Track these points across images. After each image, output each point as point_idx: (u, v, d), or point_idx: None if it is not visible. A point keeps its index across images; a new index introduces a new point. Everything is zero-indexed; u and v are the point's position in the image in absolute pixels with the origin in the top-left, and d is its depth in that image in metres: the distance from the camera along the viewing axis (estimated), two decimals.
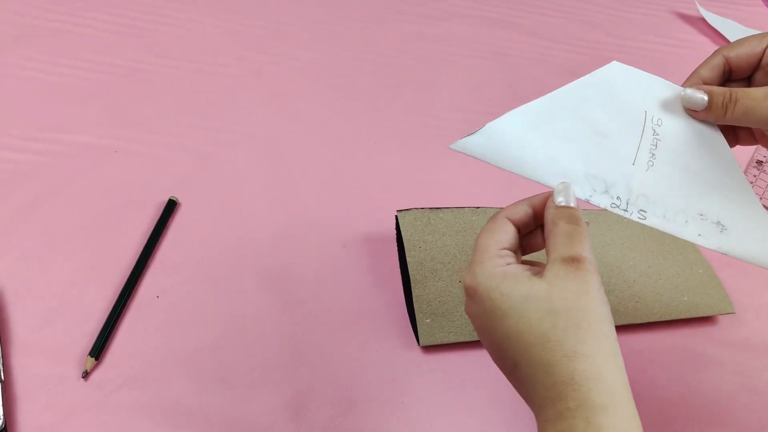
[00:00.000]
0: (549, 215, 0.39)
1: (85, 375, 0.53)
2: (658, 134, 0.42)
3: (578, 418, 0.33)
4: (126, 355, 0.55)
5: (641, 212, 0.42)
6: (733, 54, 0.43)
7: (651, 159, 0.42)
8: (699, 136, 0.43)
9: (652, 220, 0.42)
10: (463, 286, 0.40)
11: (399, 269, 0.64)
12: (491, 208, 0.65)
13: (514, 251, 0.40)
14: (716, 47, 0.97)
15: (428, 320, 0.58)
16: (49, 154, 0.68)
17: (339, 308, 0.61)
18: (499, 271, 0.38)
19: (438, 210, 0.63)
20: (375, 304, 0.61)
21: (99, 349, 0.54)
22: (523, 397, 0.38)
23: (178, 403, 0.53)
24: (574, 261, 0.37)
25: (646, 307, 0.62)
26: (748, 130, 0.47)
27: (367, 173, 0.72)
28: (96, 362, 0.54)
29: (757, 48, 0.43)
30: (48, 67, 0.77)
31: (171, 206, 0.65)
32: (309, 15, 0.90)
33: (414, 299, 0.58)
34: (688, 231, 0.43)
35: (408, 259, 0.60)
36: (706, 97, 0.42)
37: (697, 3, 1.02)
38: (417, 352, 0.58)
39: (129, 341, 0.56)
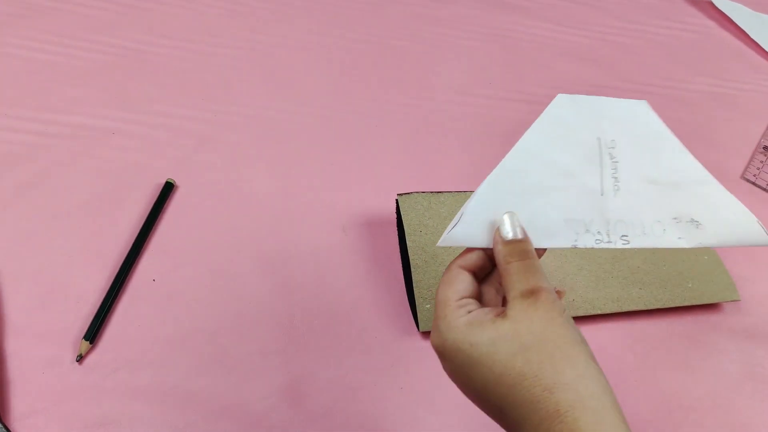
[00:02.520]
0: (499, 254, 0.39)
1: (80, 359, 0.52)
2: (614, 157, 0.43)
3: None
4: (121, 338, 0.54)
5: (623, 238, 0.42)
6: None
7: (615, 183, 0.43)
8: (648, 141, 0.44)
9: (635, 242, 0.43)
10: (432, 347, 0.40)
11: (399, 253, 0.63)
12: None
13: (475, 297, 0.40)
14: (723, 32, 0.96)
15: (428, 306, 0.57)
16: (45, 135, 0.67)
17: (338, 293, 0.60)
18: (462, 321, 0.38)
19: (439, 194, 0.62)
20: (374, 288, 0.60)
21: (94, 333, 0.53)
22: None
23: (175, 388, 0.52)
24: (532, 293, 0.37)
25: (650, 293, 0.61)
26: None
27: (368, 156, 0.71)
28: (91, 346, 0.53)
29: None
30: (45, 47, 0.76)
31: (168, 189, 0.64)
32: None
33: (414, 284, 0.58)
34: (668, 238, 0.43)
35: (408, 243, 0.59)
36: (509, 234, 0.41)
37: None
38: (417, 338, 0.58)
39: (124, 325, 0.55)
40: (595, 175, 0.42)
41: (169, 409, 0.51)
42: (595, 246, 0.42)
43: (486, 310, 0.38)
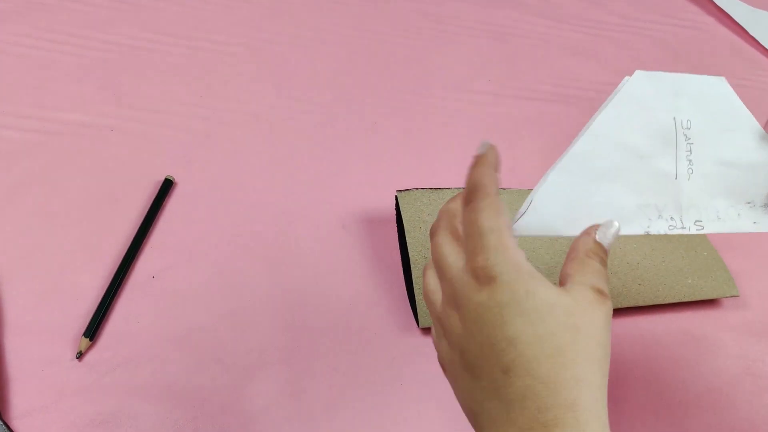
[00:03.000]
0: (585, 245, 0.38)
1: (79, 356, 0.52)
2: (689, 138, 0.41)
3: None
4: (121, 336, 0.54)
5: (697, 223, 0.41)
6: None
7: (689, 166, 0.41)
8: (724, 120, 0.42)
9: (710, 227, 0.41)
10: (471, 267, 0.35)
11: (399, 250, 0.63)
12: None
13: None
14: (722, 27, 0.96)
15: None
16: (43, 133, 0.67)
17: (338, 289, 0.60)
18: (525, 266, 0.34)
19: (438, 190, 0.62)
20: (374, 285, 0.60)
21: (93, 330, 0.53)
22: (490, 413, 0.34)
23: (174, 385, 0.52)
24: (601, 293, 0.35)
25: (649, 289, 0.61)
26: None
27: (367, 153, 0.71)
28: (90, 343, 0.53)
29: None
30: (43, 44, 0.76)
31: (167, 186, 0.64)
32: None
33: (414, 281, 0.57)
34: (743, 223, 0.42)
35: (408, 239, 0.59)
36: None
37: None
38: (416, 335, 0.58)
39: (124, 322, 0.55)
40: (669, 157, 0.41)
41: (168, 406, 0.51)
42: (669, 232, 0.40)
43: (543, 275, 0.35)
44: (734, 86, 0.87)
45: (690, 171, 0.41)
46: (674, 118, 0.41)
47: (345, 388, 0.54)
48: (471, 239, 0.36)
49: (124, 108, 0.71)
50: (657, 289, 0.61)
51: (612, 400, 0.55)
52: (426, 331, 0.58)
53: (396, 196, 0.62)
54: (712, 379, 0.59)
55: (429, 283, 0.40)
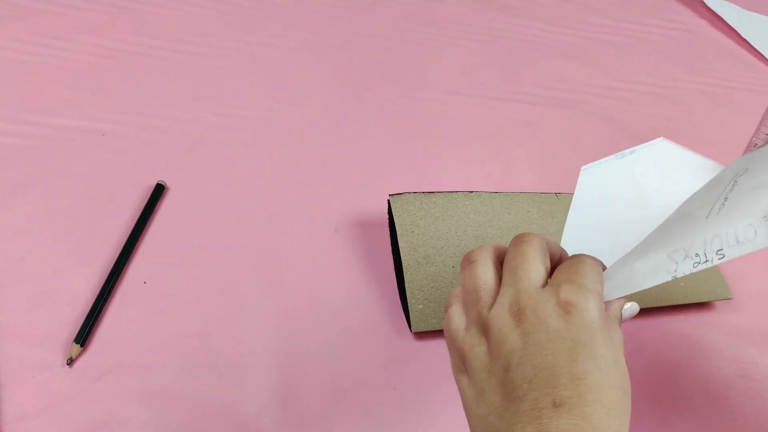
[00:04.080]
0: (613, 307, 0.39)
1: (70, 362, 0.52)
2: (737, 181, 0.40)
3: None
4: (112, 341, 0.54)
5: (719, 252, 0.39)
6: None
7: (723, 202, 0.40)
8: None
9: (730, 253, 0.39)
10: (561, 298, 0.36)
11: (391, 254, 0.63)
12: (485, 192, 0.63)
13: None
14: (714, 30, 0.96)
15: (420, 306, 0.57)
16: (35, 138, 0.67)
17: (330, 293, 0.60)
18: (608, 315, 0.38)
19: (431, 194, 0.62)
20: (367, 289, 0.60)
21: (84, 336, 0.53)
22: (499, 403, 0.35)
23: (166, 390, 0.52)
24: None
25: (643, 293, 0.60)
26: None
27: (360, 156, 0.71)
28: (81, 349, 0.53)
29: None
30: (35, 49, 0.76)
31: (159, 190, 0.64)
32: None
33: (406, 284, 0.57)
34: (759, 240, 0.40)
35: (400, 243, 0.59)
36: None
37: None
38: (409, 339, 0.58)
39: (115, 327, 0.55)
40: (709, 206, 0.40)
41: (160, 411, 0.51)
42: (693, 270, 0.39)
43: None
44: (725, 87, 0.87)
45: (722, 206, 0.40)
46: (735, 173, 0.41)
47: (337, 393, 0.54)
48: (571, 267, 0.38)
49: (116, 112, 0.71)
50: (650, 292, 0.61)
51: None
52: (418, 335, 0.58)
53: (389, 200, 0.62)
54: (705, 382, 0.59)
55: (453, 315, 0.40)
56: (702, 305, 0.64)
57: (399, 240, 0.59)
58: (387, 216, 0.63)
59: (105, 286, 0.56)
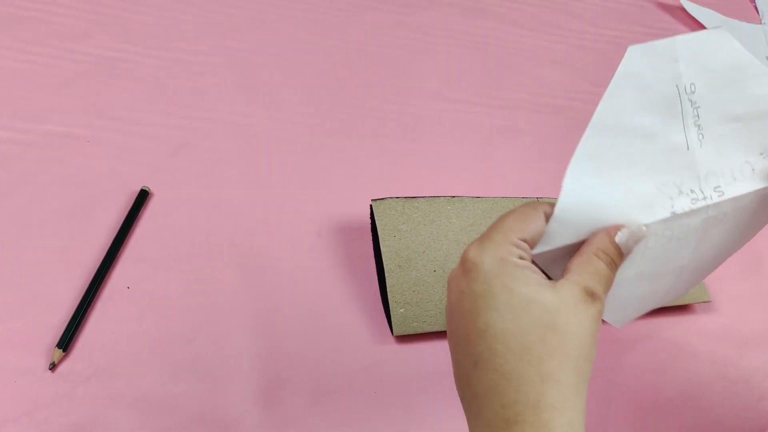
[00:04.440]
0: (599, 241, 0.37)
1: (53, 367, 0.52)
2: (695, 102, 0.39)
3: None
4: (95, 346, 0.54)
5: (717, 189, 0.40)
6: None
7: (699, 132, 0.39)
8: (729, 73, 0.40)
9: (728, 190, 0.40)
10: (463, 256, 0.36)
11: (374, 259, 0.63)
12: (467, 197, 0.64)
13: (531, 248, 0.36)
14: None
15: (402, 310, 0.57)
16: (19, 144, 0.67)
17: (313, 297, 0.60)
18: (512, 260, 0.35)
19: (413, 199, 0.63)
20: (349, 293, 0.61)
21: (67, 341, 0.53)
22: (466, 399, 0.35)
23: (148, 394, 0.53)
24: (593, 295, 0.35)
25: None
26: None
27: (344, 162, 0.71)
28: (64, 354, 0.53)
29: None
30: (19, 56, 0.76)
31: (143, 196, 0.64)
32: (287, 2, 0.89)
33: (388, 288, 0.58)
34: (759, 177, 0.41)
35: (382, 248, 0.59)
36: None
37: None
38: (390, 342, 0.58)
39: (98, 332, 0.55)
40: (678, 128, 0.39)
41: (142, 415, 0.51)
42: (693, 206, 0.39)
43: (539, 272, 0.35)
44: None
45: (701, 137, 0.39)
46: (677, 86, 0.39)
47: (319, 396, 0.54)
48: (488, 228, 0.37)
49: (101, 119, 0.71)
50: None
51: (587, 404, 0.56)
52: (400, 339, 0.58)
53: (371, 205, 0.62)
54: (685, 384, 0.60)
55: None
56: (681, 308, 0.64)
57: (381, 244, 0.60)
58: (369, 220, 0.64)
59: (88, 291, 0.57)
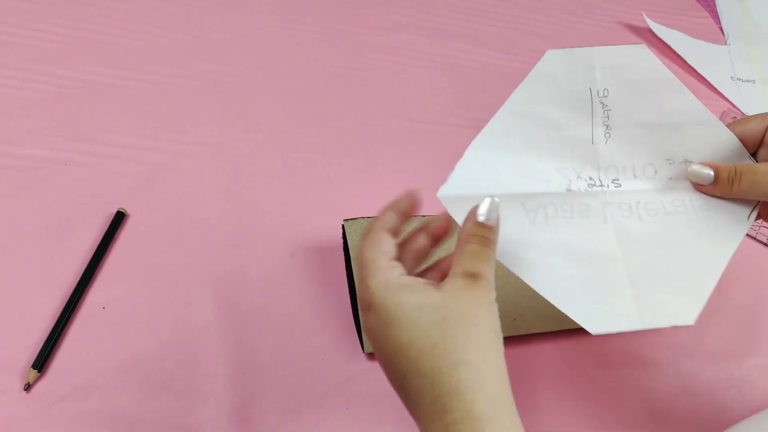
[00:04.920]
0: (464, 230, 0.40)
1: (27, 387, 0.53)
2: (606, 105, 0.43)
3: (465, 431, 0.34)
4: (70, 366, 0.55)
5: (615, 181, 0.44)
6: (737, 131, 0.45)
7: (607, 131, 0.43)
8: (645, 86, 0.44)
9: (626, 184, 0.44)
10: (358, 298, 0.41)
11: (346, 277, 0.64)
12: (437, 216, 0.66)
13: (399, 261, 0.41)
14: (663, 58, 1.00)
15: None
16: None
17: (286, 316, 0.61)
18: (394, 282, 0.39)
19: None
20: (321, 311, 0.62)
21: (42, 361, 0.54)
22: (411, 413, 0.38)
23: (123, 413, 0.53)
24: (473, 276, 0.38)
25: None
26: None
27: (318, 183, 0.73)
28: (39, 374, 0.54)
29: (760, 125, 0.45)
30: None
31: (119, 218, 0.65)
32: (263, 25, 0.91)
33: (359, 306, 0.59)
34: (660, 180, 0.45)
35: (353, 267, 0.61)
36: (712, 173, 0.44)
37: (644, 14, 1.04)
38: (362, 359, 0.59)
39: (73, 353, 0.56)
40: (586, 125, 0.43)
41: None
42: (589, 189, 0.43)
43: (419, 279, 0.39)
44: None
45: (608, 135, 0.43)
46: (590, 88, 0.43)
47: (292, 413, 0.55)
48: (359, 272, 0.41)
49: (79, 142, 0.72)
50: None
51: (550, 418, 0.57)
52: (371, 356, 0.59)
53: (343, 225, 0.64)
54: (649, 397, 0.61)
55: None
56: None
57: (352, 263, 0.61)
58: (342, 240, 0.65)
59: (64, 311, 0.57)
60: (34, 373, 0.53)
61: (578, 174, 0.43)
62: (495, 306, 0.38)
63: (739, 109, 0.93)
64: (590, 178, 0.43)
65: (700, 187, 0.45)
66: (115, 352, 0.57)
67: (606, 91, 0.43)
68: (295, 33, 0.91)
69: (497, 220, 0.40)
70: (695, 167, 0.44)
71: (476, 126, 0.81)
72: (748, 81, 0.99)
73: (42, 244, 0.63)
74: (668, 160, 0.45)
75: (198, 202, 0.69)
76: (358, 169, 0.75)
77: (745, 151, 0.45)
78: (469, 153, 0.43)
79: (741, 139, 0.45)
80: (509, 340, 0.61)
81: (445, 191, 0.42)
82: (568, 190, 0.43)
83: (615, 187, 0.44)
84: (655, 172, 0.45)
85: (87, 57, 0.81)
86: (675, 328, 0.43)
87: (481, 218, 0.40)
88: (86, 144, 0.72)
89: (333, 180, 0.73)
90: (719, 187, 0.44)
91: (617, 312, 0.45)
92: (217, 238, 0.66)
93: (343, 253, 0.65)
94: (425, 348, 0.36)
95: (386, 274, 0.39)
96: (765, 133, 0.45)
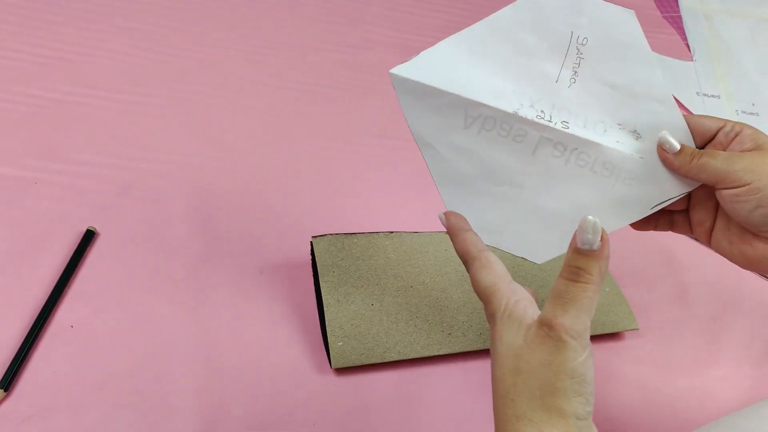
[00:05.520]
0: (567, 259, 0.39)
1: None
2: (582, 53, 0.45)
3: None
4: (37, 385, 0.55)
5: (564, 122, 0.45)
6: (690, 121, 0.47)
7: (573, 76, 0.45)
8: (621, 48, 0.45)
9: (574, 129, 0.46)
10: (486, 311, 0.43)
11: (315, 294, 0.65)
12: (405, 232, 0.67)
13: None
14: None
15: (340, 343, 0.59)
16: None
17: (254, 333, 0.62)
18: (509, 311, 0.40)
19: (352, 235, 0.65)
20: (290, 328, 0.63)
21: (9, 381, 0.54)
22: None
23: (90, 431, 0.54)
24: (547, 326, 0.37)
25: None
26: (684, 216, 0.51)
27: (288, 200, 0.73)
28: (6, 393, 0.54)
29: (713, 124, 0.46)
30: None
31: (89, 236, 0.65)
32: (234, 44, 0.92)
33: (327, 322, 0.60)
34: (607, 139, 0.46)
35: (321, 283, 0.62)
36: (678, 145, 0.45)
37: None
38: (330, 375, 0.60)
39: (41, 372, 0.56)
40: (555, 62, 0.45)
41: None
42: (536, 120, 0.45)
43: (526, 312, 0.39)
44: None
45: (572, 80, 0.45)
46: (572, 32, 0.45)
47: (260, 429, 0.56)
48: (479, 296, 0.43)
49: (48, 161, 0.72)
50: None
51: None
52: (338, 371, 0.60)
53: (311, 242, 0.64)
54: (614, 409, 0.62)
55: None
56: (611, 336, 0.67)
57: (320, 280, 0.62)
58: (310, 257, 0.66)
59: (31, 330, 0.58)
60: (0, 392, 0.53)
61: (532, 103, 0.45)
62: (578, 364, 0.37)
63: None
64: (542, 111, 0.45)
65: (663, 153, 0.46)
66: (83, 370, 0.57)
67: (585, 40, 0.45)
68: (264, 52, 0.92)
69: (604, 244, 0.37)
70: (667, 136, 0.46)
71: None
72: (713, 96, 1.01)
73: (11, 262, 0.63)
74: (620, 125, 0.46)
75: (167, 220, 0.69)
76: (328, 186, 0.76)
77: (692, 141, 0.47)
78: (437, 47, 0.45)
79: (691, 131, 0.47)
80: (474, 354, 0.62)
81: (398, 71, 0.45)
82: (516, 112, 0.45)
83: (562, 127, 0.45)
84: (605, 131, 0.46)
85: (57, 76, 0.82)
86: (524, 260, 0.47)
87: (584, 245, 0.37)
88: (56, 163, 0.72)
89: (301, 197, 0.74)
90: (680, 157, 0.45)
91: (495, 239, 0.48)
92: (186, 256, 0.66)
93: (311, 269, 0.66)
94: (501, 391, 0.38)
95: (503, 298, 0.41)
96: (716, 134, 0.46)
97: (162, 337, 0.60)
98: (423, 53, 0.45)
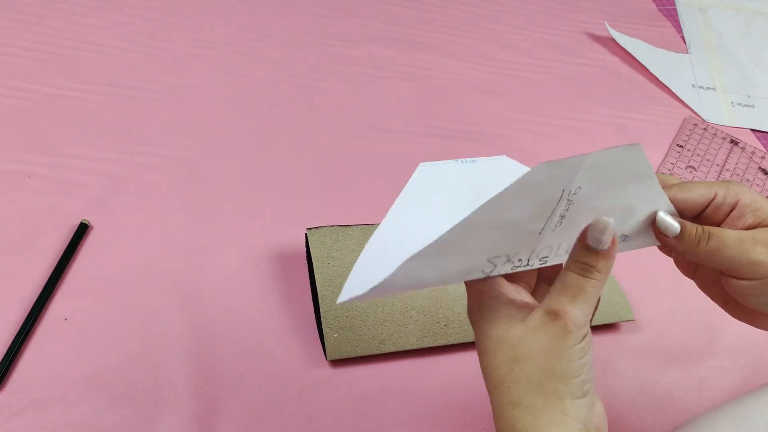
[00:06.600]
0: (573, 250, 0.38)
1: None
2: (572, 200, 0.38)
3: None
4: (31, 378, 0.55)
5: (543, 259, 0.41)
6: (680, 197, 0.41)
7: (560, 220, 0.39)
8: (619, 175, 0.39)
9: (554, 260, 0.41)
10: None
11: (309, 286, 0.65)
12: None
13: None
14: (625, 66, 1.02)
15: (335, 335, 0.59)
16: None
17: (249, 325, 0.61)
18: (487, 306, 0.39)
19: (347, 227, 0.65)
20: (285, 320, 0.62)
21: (2, 374, 0.54)
22: None
23: (84, 424, 0.53)
24: (554, 314, 0.37)
25: None
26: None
27: (283, 192, 0.73)
28: None
29: (705, 196, 0.41)
30: None
31: (82, 230, 0.65)
32: (228, 38, 0.91)
33: (321, 314, 0.60)
34: None
35: (316, 275, 0.61)
36: (678, 226, 0.40)
37: (607, 24, 1.06)
38: (325, 367, 0.60)
39: (34, 365, 0.56)
40: (542, 220, 0.38)
41: None
42: (510, 271, 0.40)
43: (511, 304, 0.39)
44: (635, 120, 0.92)
45: (559, 224, 0.39)
46: (563, 190, 0.38)
47: (255, 422, 0.56)
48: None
49: (42, 155, 0.72)
50: None
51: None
52: (334, 363, 0.60)
53: (306, 234, 0.64)
54: (610, 400, 0.62)
55: None
56: (607, 327, 0.67)
57: (315, 272, 0.61)
58: (305, 249, 0.65)
59: (25, 324, 0.57)
60: None
61: (509, 259, 0.39)
62: (576, 349, 0.36)
63: (699, 116, 0.95)
64: (519, 260, 0.40)
65: (663, 238, 0.41)
66: (76, 363, 0.57)
67: (579, 188, 0.38)
68: (258, 45, 0.92)
69: (613, 245, 0.37)
70: (664, 215, 0.41)
71: (439, 135, 0.83)
72: (708, 89, 1.01)
73: (4, 255, 0.63)
74: None
75: (161, 213, 0.69)
76: (323, 179, 0.76)
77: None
78: (415, 257, 0.36)
79: (678, 211, 0.42)
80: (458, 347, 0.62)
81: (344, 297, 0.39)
82: (488, 274, 0.39)
83: (540, 263, 0.40)
84: None
85: (51, 71, 0.81)
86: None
87: (589, 240, 0.37)
88: (50, 157, 0.72)
89: (298, 189, 0.74)
90: (684, 242, 0.40)
91: None
92: (181, 249, 0.66)
93: (306, 261, 0.66)
94: (495, 381, 0.38)
95: (490, 299, 0.40)
96: (706, 208, 0.42)
97: (156, 329, 0.60)
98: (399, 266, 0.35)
